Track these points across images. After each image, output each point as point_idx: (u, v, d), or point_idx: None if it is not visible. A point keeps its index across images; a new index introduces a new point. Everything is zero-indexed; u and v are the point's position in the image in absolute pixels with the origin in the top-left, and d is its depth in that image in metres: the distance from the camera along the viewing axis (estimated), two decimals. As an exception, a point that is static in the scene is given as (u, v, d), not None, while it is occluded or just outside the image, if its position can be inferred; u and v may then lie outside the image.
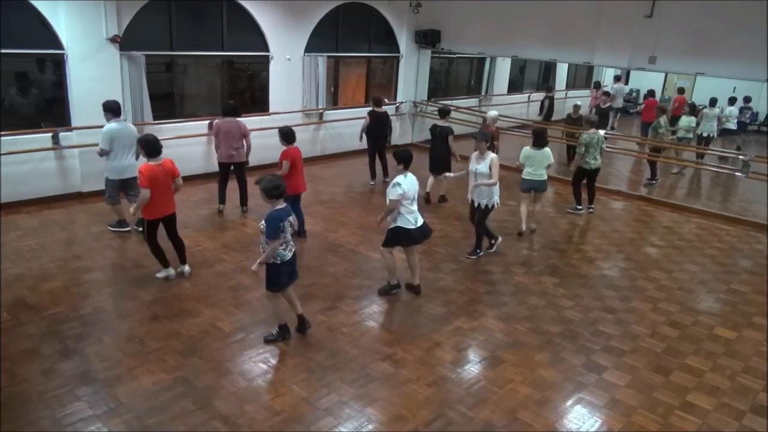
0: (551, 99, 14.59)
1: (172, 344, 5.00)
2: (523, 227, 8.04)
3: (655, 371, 5.01)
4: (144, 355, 4.82)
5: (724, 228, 9.06)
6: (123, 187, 7.27)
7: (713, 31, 9.23)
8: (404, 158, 5.73)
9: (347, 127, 11.85)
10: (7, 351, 4.74)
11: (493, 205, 6.99)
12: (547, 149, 7.91)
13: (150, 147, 5.84)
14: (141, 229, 6.92)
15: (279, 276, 4.88)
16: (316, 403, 4.33)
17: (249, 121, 10.09)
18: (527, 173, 7.95)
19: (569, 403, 4.54)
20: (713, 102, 13.33)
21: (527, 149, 7.96)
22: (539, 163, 7.85)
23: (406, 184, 5.68)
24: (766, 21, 8.48)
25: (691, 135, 12.13)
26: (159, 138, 6.00)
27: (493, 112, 9.58)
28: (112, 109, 7.02)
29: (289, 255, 4.89)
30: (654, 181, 11.48)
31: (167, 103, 9.62)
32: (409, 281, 6.25)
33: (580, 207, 9.31)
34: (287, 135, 7.09)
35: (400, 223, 5.79)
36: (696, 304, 6.41)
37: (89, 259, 6.62)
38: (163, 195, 5.90)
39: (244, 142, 8.09)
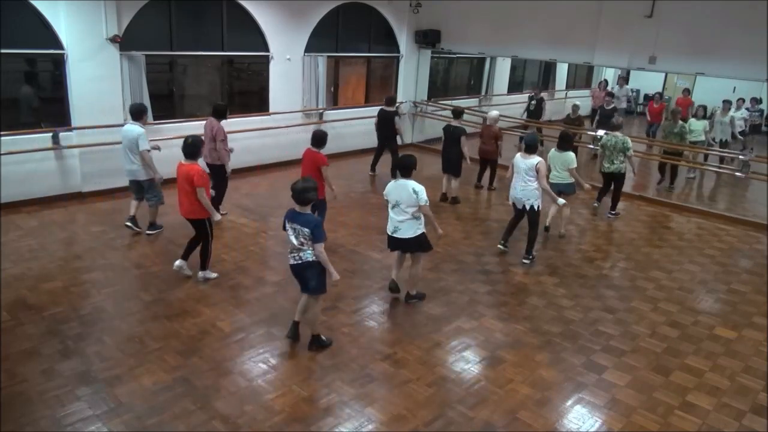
0: (540, 100, 14.07)
1: (172, 344, 5.00)
2: (547, 222, 8.24)
3: (655, 371, 5.02)
4: (144, 355, 4.83)
5: (724, 228, 9.06)
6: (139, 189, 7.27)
7: (713, 31, 9.23)
8: (394, 166, 5.78)
9: (347, 127, 11.87)
10: (7, 351, 4.74)
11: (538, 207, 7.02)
12: (568, 153, 7.84)
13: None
14: (150, 233, 7.28)
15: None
16: (316, 403, 4.34)
17: (249, 121, 10.18)
18: (552, 176, 7.90)
19: (569, 403, 4.54)
20: (726, 105, 12.69)
21: (552, 151, 8.02)
22: (559, 165, 7.85)
23: (388, 188, 5.79)
24: (766, 21, 8.48)
25: (703, 137, 11.87)
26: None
27: (494, 112, 9.59)
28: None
29: None
30: (673, 186, 11.22)
31: (167, 102, 9.61)
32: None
33: (613, 212, 9.25)
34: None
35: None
36: (696, 304, 6.41)
37: (89, 259, 6.62)
38: (179, 196, 6.02)
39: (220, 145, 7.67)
